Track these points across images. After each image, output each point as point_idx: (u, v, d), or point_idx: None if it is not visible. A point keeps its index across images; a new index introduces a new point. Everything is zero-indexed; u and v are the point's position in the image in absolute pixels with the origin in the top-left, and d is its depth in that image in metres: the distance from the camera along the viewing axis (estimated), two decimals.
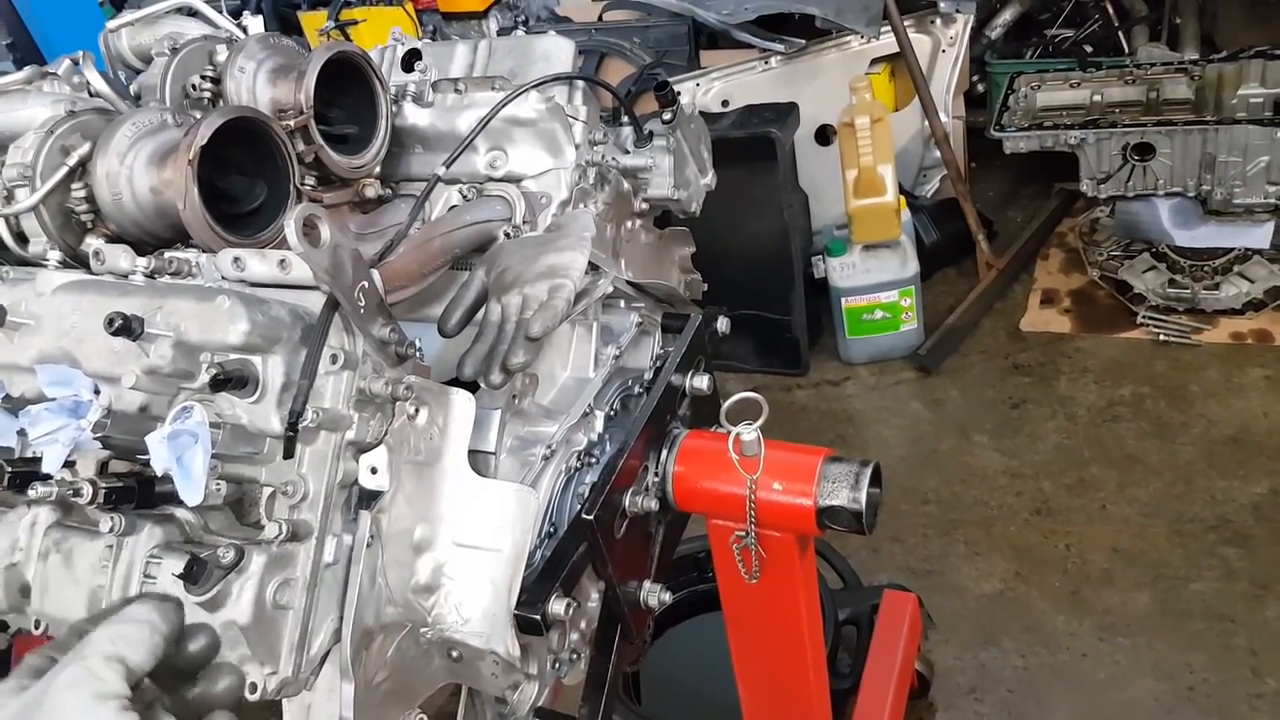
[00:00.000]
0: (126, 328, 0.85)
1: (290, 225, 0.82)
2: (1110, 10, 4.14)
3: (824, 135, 3.59)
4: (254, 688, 0.86)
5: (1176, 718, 2.10)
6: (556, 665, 1.24)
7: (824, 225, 3.52)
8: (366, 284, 0.91)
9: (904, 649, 2.05)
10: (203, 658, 0.82)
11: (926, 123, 3.49)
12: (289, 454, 0.86)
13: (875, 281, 3.20)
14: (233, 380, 0.85)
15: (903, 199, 3.28)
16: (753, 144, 3.05)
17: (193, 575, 0.84)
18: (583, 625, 1.26)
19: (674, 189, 1.48)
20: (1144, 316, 3.18)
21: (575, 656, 1.25)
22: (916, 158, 3.81)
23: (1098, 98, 3.20)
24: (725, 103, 3.53)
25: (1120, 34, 4.12)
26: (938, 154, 3.55)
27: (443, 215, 1.33)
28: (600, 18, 3.91)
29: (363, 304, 0.90)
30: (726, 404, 1.18)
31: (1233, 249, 3.06)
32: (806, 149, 3.52)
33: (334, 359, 0.90)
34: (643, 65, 3.76)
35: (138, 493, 0.91)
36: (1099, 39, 4.19)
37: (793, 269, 3.23)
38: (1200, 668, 2.18)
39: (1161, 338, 3.12)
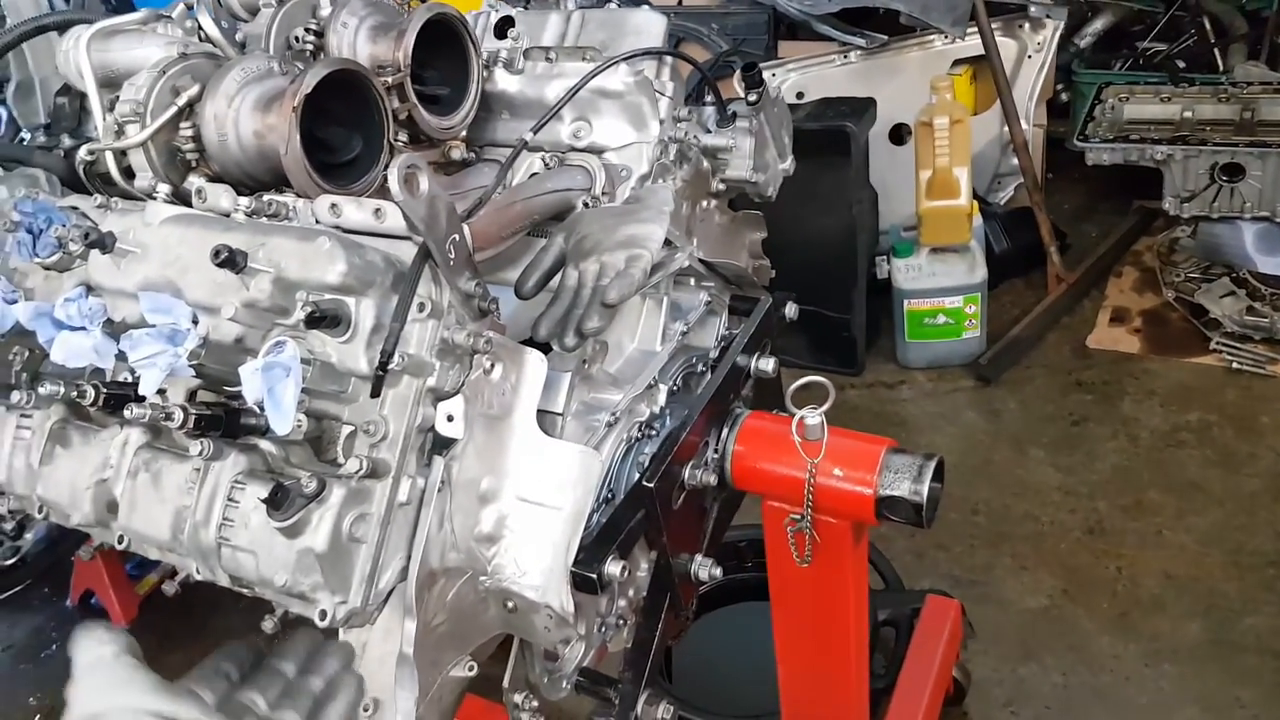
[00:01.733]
0: (231, 260, 0.88)
1: (394, 173, 0.85)
2: (1207, 26, 4.01)
3: (898, 134, 3.55)
4: (324, 615, 0.90)
5: None
6: (603, 629, 1.26)
7: (891, 225, 3.47)
8: (458, 237, 0.94)
9: (943, 654, 2.04)
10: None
11: (1006, 128, 3.43)
12: (376, 393, 0.89)
13: (940, 285, 3.16)
14: (327, 318, 0.89)
15: (975, 204, 3.23)
16: (827, 137, 3.02)
17: (276, 501, 0.87)
18: (631, 593, 1.28)
19: (753, 171, 1.49)
20: (1218, 342, 3.09)
21: (621, 622, 1.27)
22: (993, 163, 3.74)
23: (1188, 114, 3.11)
24: (800, 95, 3.51)
25: (1216, 51, 3.99)
26: (1015, 161, 3.48)
27: (524, 181, 1.35)
28: (681, 1, 3.90)
29: (453, 256, 0.93)
30: (793, 386, 1.19)
31: None
32: (880, 147, 3.48)
33: (421, 307, 0.93)
34: (720, 52, 3.75)
35: (225, 422, 0.95)
36: (1193, 55, 4.06)
37: (856, 267, 3.20)
38: (1250, 703, 2.13)
39: (1234, 366, 3.03)
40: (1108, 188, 3.93)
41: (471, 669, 1.10)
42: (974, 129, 3.52)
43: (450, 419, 0.96)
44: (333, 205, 1.00)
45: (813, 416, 1.16)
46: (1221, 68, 3.86)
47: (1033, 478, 2.79)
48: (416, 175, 0.87)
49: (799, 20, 3.59)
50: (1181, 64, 4.09)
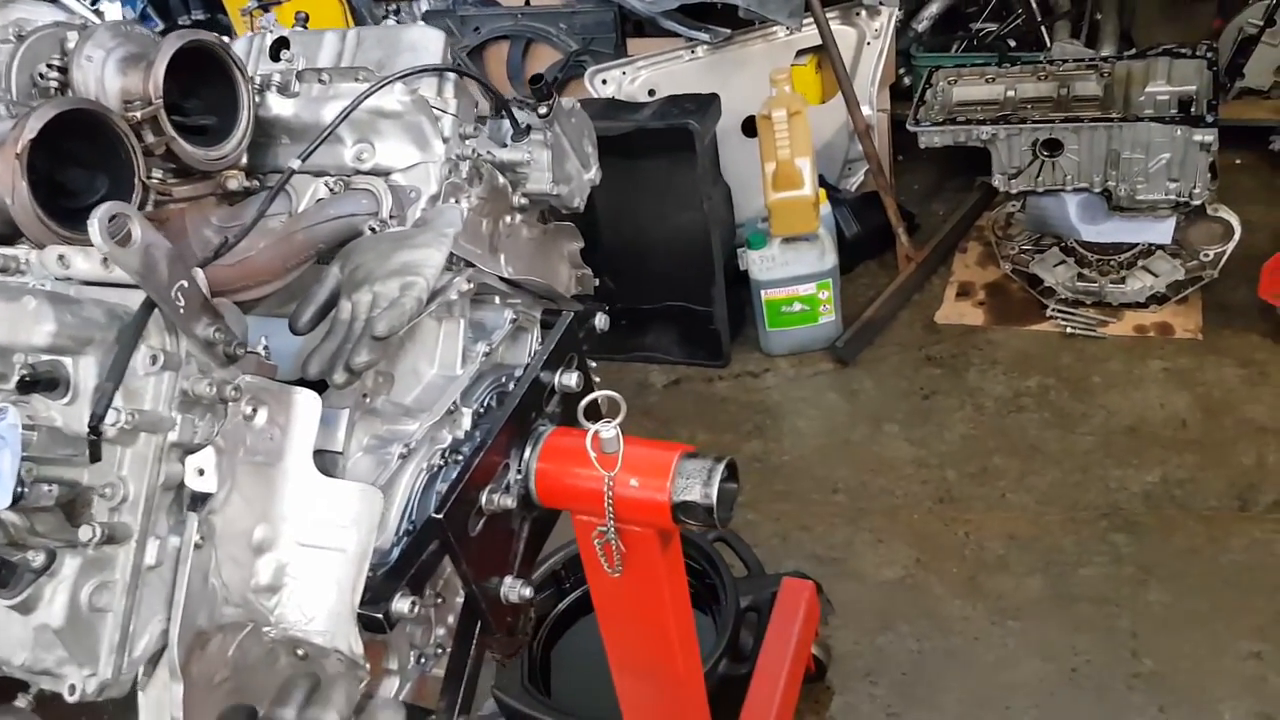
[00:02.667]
0: None
1: (93, 224, 0.81)
2: (1034, 5, 4.22)
3: (751, 126, 3.60)
4: (72, 689, 0.86)
5: (1058, 698, 2.17)
6: (422, 660, 1.25)
7: (748, 218, 3.54)
8: (187, 283, 0.90)
9: (799, 634, 2.09)
10: None
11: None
12: (95, 458, 0.85)
13: (793, 274, 3.23)
14: (42, 382, 0.84)
15: (823, 192, 3.32)
16: (672, 135, 3.05)
17: (1, 578, 0.82)
18: (450, 620, 1.27)
19: (553, 184, 1.49)
20: (1053, 309, 3.26)
21: (441, 651, 1.26)
22: (842, 150, 3.85)
23: (1011, 93, 3.26)
24: (652, 91, 3.53)
25: (1043, 29, 4.20)
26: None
27: (307, 209, 1.31)
28: (528, 2, 3.87)
29: (182, 304, 0.89)
30: (584, 401, 1.19)
31: (1137, 244, 3.15)
32: (733, 140, 3.53)
33: (154, 360, 0.89)
34: (570, 51, 3.75)
35: None
36: (1023, 34, 4.27)
37: (713, 261, 3.25)
38: (1084, 649, 2.26)
39: (1069, 330, 3.20)
40: (954, 166, 4.08)
41: None
42: (822, 117, 3.62)
43: (201, 473, 0.92)
44: (60, 256, 0.95)
45: (606, 430, 1.16)
46: (1049, 45, 4.06)
47: (888, 453, 2.89)
48: (126, 223, 0.83)
49: (645, 17, 3.61)
50: (1013, 43, 4.29)
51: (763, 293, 3.27)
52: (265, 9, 4.10)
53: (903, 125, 3.62)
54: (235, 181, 1.31)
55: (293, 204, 1.34)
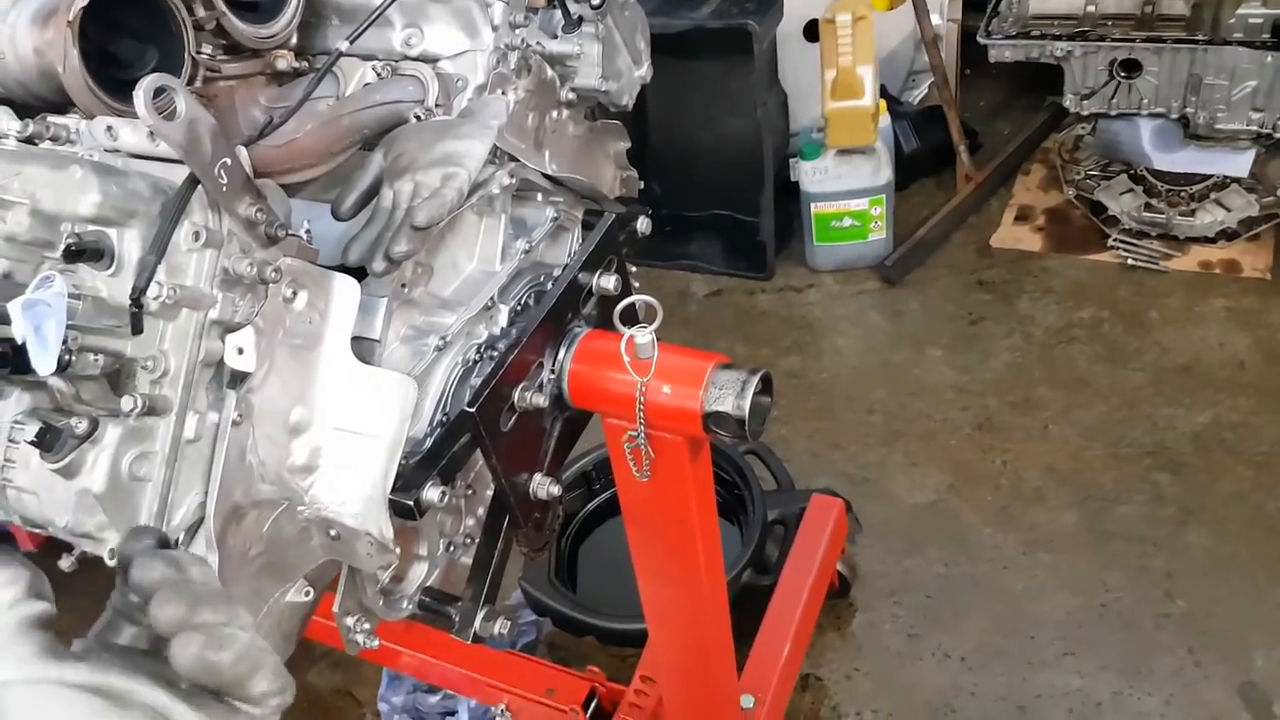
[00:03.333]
0: None
1: (139, 96, 0.80)
2: None
3: (813, 31, 3.46)
4: (112, 553, 0.89)
5: (1085, 631, 2.18)
6: (451, 548, 1.27)
7: (804, 127, 3.43)
8: (229, 161, 0.89)
9: (825, 551, 2.11)
10: None
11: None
12: (137, 330, 0.86)
13: (846, 188, 3.15)
14: (87, 252, 0.85)
15: (884, 104, 3.19)
16: (730, 37, 2.94)
17: (46, 443, 0.85)
18: (479, 511, 1.29)
19: (602, 80, 1.44)
20: (1115, 239, 3.14)
21: (470, 541, 1.28)
22: (907, 60, 3.69)
23: (1091, 8, 3.06)
24: None
25: None
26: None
27: (353, 93, 1.29)
28: None
29: (224, 181, 0.88)
30: (620, 305, 1.18)
31: (1211, 176, 3.00)
32: (793, 45, 3.40)
33: (196, 236, 0.89)
34: None
35: (12, 360, 0.92)
36: None
37: (764, 171, 3.17)
38: (1115, 586, 2.26)
39: (1130, 262, 3.09)
40: (1023, 84, 3.90)
41: (309, 594, 1.11)
42: (887, 25, 3.46)
43: (241, 351, 0.93)
44: (109, 127, 0.94)
45: (642, 335, 1.15)
46: None
47: (929, 376, 2.86)
48: (172, 96, 0.82)
49: None
50: None
51: (812, 206, 3.20)
52: None
53: (972, 37, 3.45)
54: (284, 61, 1.28)
55: (340, 87, 1.32)
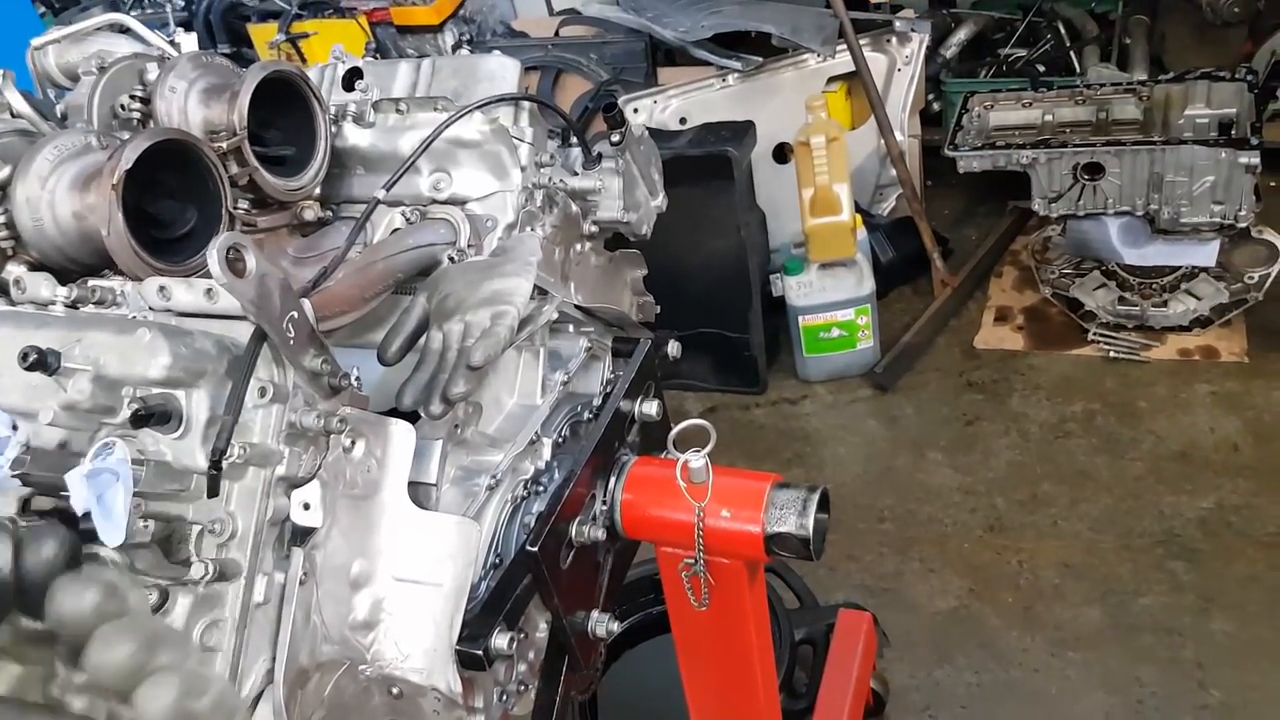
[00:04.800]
0: (41, 362, 0.81)
1: (213, 255, 0.80)
2: (1062, 30, 4.23)
3: (782, 153, 3.61)
4: None
5: None
6: (504, 697, 1.21)
7: (782, 243, 3.53)
8: (296, 314, 0.89)
9: (859, 668, 2.05)
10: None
11: (883, 141, 3.52)
12: (213, 493, 0.83)
13: (832, 300, 3.22)
14: (155, 416, 0.83)
15: (859, 217, 3.31)
16: (709, 163, 3.05)
17: None
18: (530, 656, 1.24)
19: (624, 211, 1.47)
20: (1095, 333, 3.23)
21: (523, 688, 1.22)
22: (873, 175, 3.84)
23: (1049, 118, 3.25)
24: (683, 120, 3.54)
25: (1072, 54, 4.20)
26: (894, 172, 3.58)
27: (385, 239, 1.30)
28: (557, 33, 3.89)
29: (292, 335, 0.88)
30: (674, 431, 1.17)
31: (1180, 267, 3.12)
32: (765, 167, 3.54)
33: (263, 392, 0.87)
34: (600, 82, 3.76)
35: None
36: (1051, 59, 4.27)
37: (750, 288, 3.24)
38: (1149, 681, 2.21)
39: (1111, 354, 3.17)
40: (984, 191, 4.08)
41: None
42: (852, 143, 3.62)
43: (307, 507, 0.90)
44: (161, 288, 0.94)
45: (696, 459, 1.13)
46: (1078, 70, 4.06)
47: (933, 480, 2.86)
48: (242, 253, 0.82)
49: (676, 46, 3.62)
50: (1042, 68, 4.28)
51: (800, 319, 3.26)
52: (294, 43, 4.14)
53: (933, 151, 3.62)
54: (311, 212, 1.30)
55: (368, 234, 1.33)
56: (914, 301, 3.64)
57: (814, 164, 3.10)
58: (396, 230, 1.32)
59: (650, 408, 1.31)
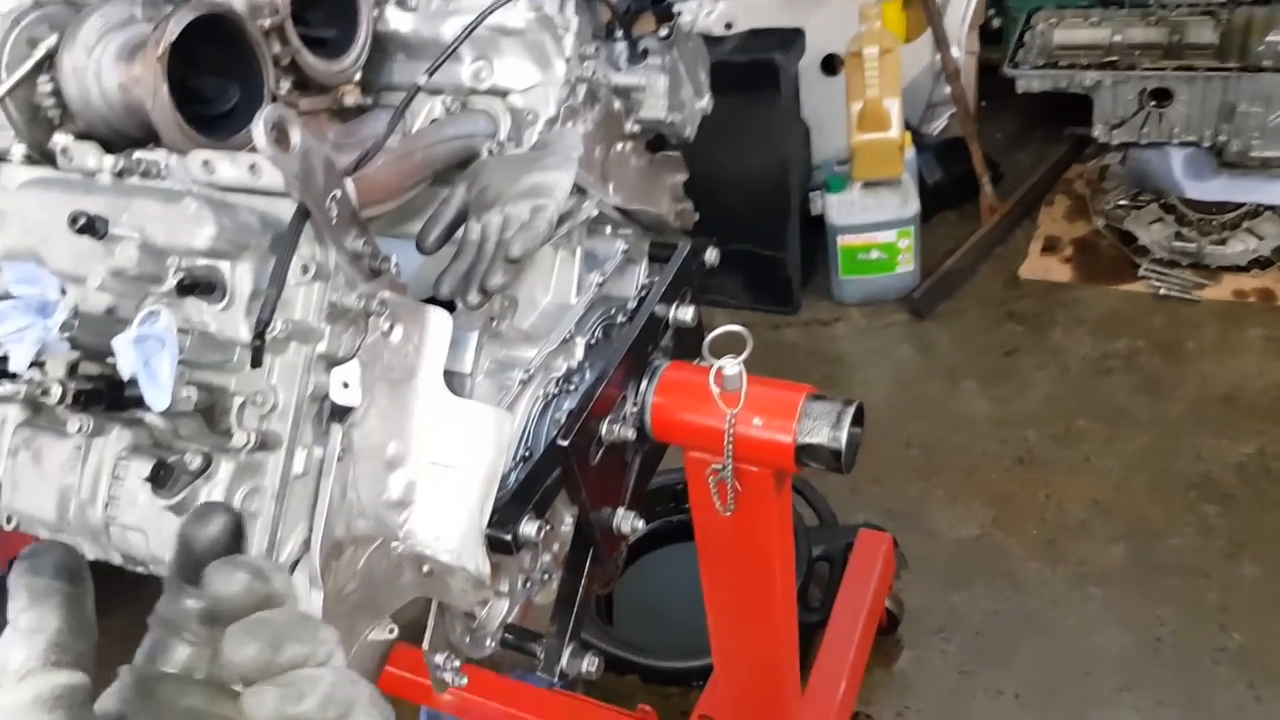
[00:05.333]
0: (90, 227, 0.82)
1: (258, 127, 0.79)
2: None
3: (831, 65, 3.49)
4: None
5: (1140, 668, 2.13)
6: (528, 584, 1.25)
7: (824, 159, 3.45)
8: (339, 193, 0.88)
9: (875, 587, 2.08)
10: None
11: (938, 56, 3.40)
12: (256, 363, 0.84)
13: (873, 220, 3.16)
14: (200, 286, 0.83)
15: (908, 135, 3.22)
16: (755, 70, 2.96)
17: (160, 479, 0.83)
18: (555, 548, 1.27)
19: (668, 111, 1.44)
20: (1146, 269, 3.14)
21: (547, 577, 1.26)
22: (925, 93, 3.72)
23: (1118, 38, 3.10)
24: (729, 25, 3.41)
25: None
26: (947, 90, 3.47)
27: (424, 128, 1.29)
28: None
29: (335, 214, 0.88)
30: (710, 336, 1.16)
31: (1244, 204, 3.01)
32: (811, 78, 3.43)
33: (305, 269, 0.88)
34: None
35: (107, 395, 0.90)
36: None
37: (789, 204, 3.18)
38: (1169, 620, 2.22)
39: (1162, 292, 3.09)
40: (1040, 115, 3.94)
41: (392, 632, 1.08)
42: (905, 58, 3.49)
43: (346, 385, 0.91)
44: (205, 161, 0.93)
45: (731, 366, 1.13)
46: None
47: (965, 409, 2.84)
48: (286, 127, 0.81)
49: None
50: None
51: (839, 238, 3.20)
52: None
53: (990, 70, 3.48)
54: (352, 97, 1.28)
55: (407, 124, 1.32)
56: (959, 227, 3.56)
57: (865, 76, 3.00)
58: (436, 120, 1.31)
59: (686, 313, 1.31)
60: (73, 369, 0.96)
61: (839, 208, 3.16)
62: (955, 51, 3.42)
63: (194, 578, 0.49)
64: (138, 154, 1.00)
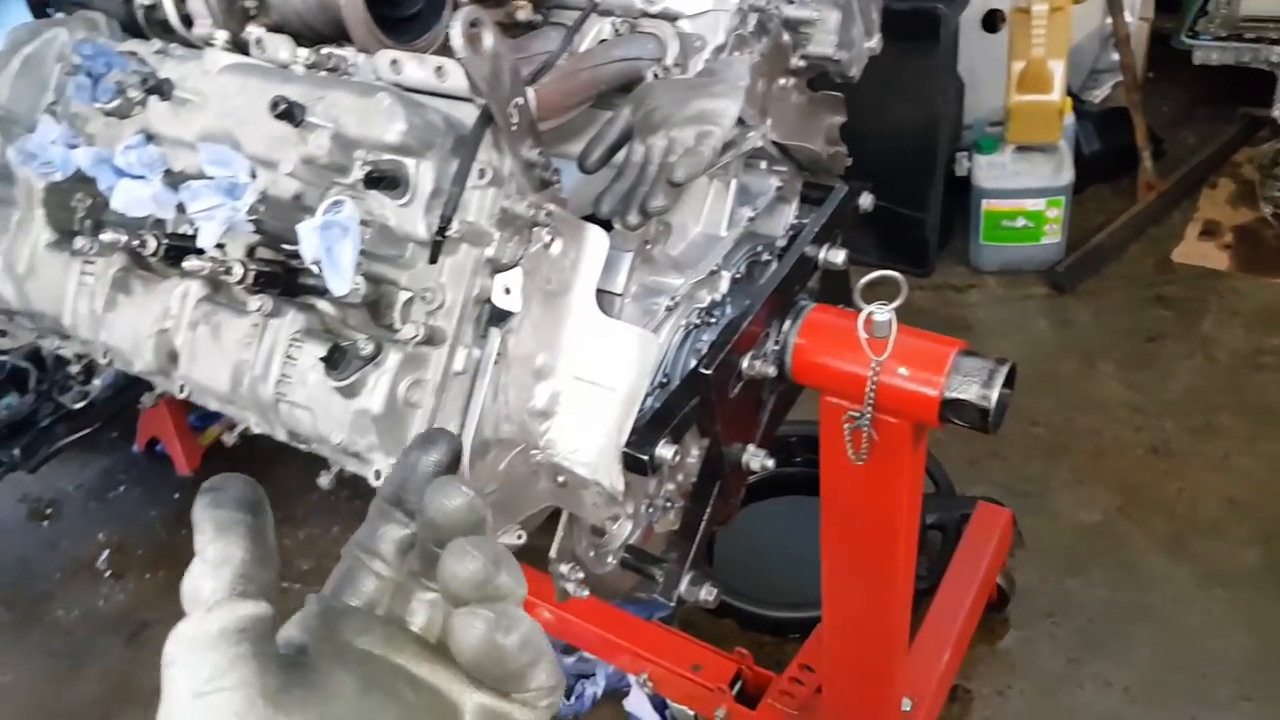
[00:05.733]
0: (289, 113, 0.85)
1: (456, 26, 0.80)
2: None
3: (992, 21, 3.31)
4: (378, 474, 0.91)
5: (1265, 677, 2.03)
6: (651, 510, 1.27)
7: (975, 119, 3.29)
8: (521, 101, 0.89)
9: (989, 561, 2.03)
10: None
11: (1108, 20, 3.18)
12: (434, 259, 0.87)
13: (1023, 186, 3.01)
14: (385, 180, 0.86)
15: (1068, 100, 3.04)
16: (915, 20, 2.84)
17: (334, 361, 0.87)
18: (680, 478, 1.28)
19: (837, 48, 1.40)
20: None
21: (669, 505, 1.27)
22: (1090, 57, 3.50)
23: None
24: None
25: None
26: (1114, 56, 3.25)
27: (592, 48, 1.28)
28: None
29: (515, 121, 0.89)
30: (864, 280, 1.14)
31: None
32: (970, 34, 3.26)
33: (482, 173, 0.89)
34: None
35: (283, 280, 0.95)
36: None
37: (935, 162, 3.06)
38: None
39: None
40: (1212, 91, 3.66)
41: (521, 537, 1.11)
42: (1074, 18, 3.29)
43: (508, 291, 0.93)
44: (393, 61, 0.96)
45: (882, 313, 1.11)
46: None
47: (1099, 392, 2.71)
48: (481, 30, 0.82)
49: None
50: None
51: (984, 202, 3.07)
52: None
53: (1161, 40, 3.25)
54: (524, 12, 1.29)
55: (575, 43, 1.32)
56: (1112, 201, 3.36)
57: (1031, 34, 2.84)
58: (603, 41, 1.30)
59: (837, 256, 1.28)
60: (251, 251, 1.01)
61: (988, 170, 3.02)
62: (1127, 16, 3.20)
63: (404, 505, 0.49)
64: (326, 49, 1.03)
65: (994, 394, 1.08)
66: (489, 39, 0.83)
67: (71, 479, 2.98)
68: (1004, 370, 1.09)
